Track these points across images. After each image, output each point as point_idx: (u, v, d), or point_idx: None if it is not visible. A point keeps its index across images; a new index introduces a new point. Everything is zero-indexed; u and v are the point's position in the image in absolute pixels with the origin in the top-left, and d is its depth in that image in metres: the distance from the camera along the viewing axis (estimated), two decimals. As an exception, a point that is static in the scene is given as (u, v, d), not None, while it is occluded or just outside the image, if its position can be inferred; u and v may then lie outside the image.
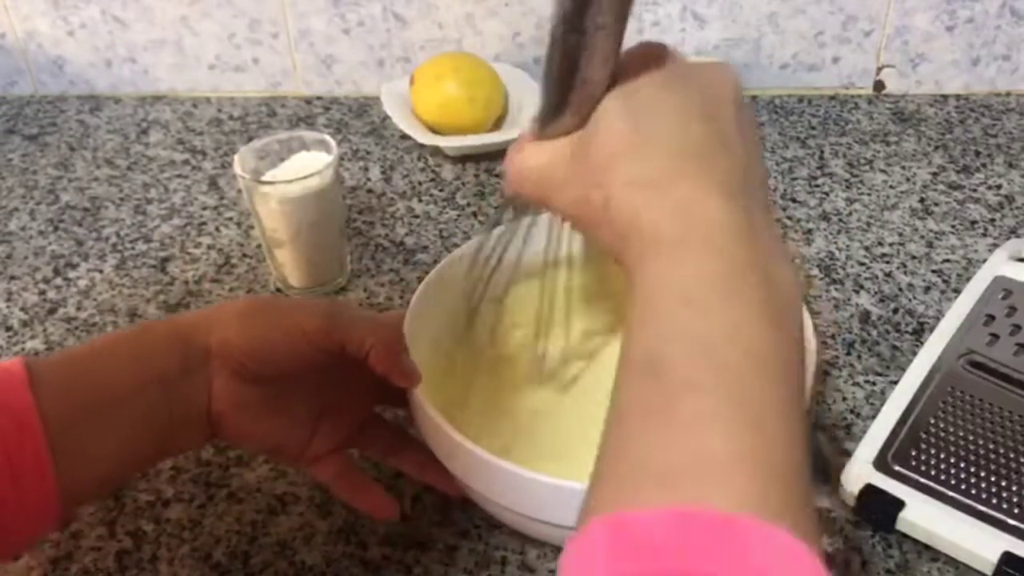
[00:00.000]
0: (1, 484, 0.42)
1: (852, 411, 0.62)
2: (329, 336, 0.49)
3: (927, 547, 0.53)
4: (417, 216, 0.81)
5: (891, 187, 0.82)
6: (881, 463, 0.55)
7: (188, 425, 0.49)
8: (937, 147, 0.87)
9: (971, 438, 0.56)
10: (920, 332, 0.68)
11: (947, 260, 0.74)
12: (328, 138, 0.70)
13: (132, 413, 0.47)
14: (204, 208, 0.84)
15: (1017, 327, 0.63)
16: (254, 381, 0.49)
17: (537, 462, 0.48)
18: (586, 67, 0.38)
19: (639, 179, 0.37)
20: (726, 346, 0.32)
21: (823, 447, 0.60)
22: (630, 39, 0.39)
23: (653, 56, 0.40)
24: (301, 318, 0.49)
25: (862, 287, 0.72)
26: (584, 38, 0.37)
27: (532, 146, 0.42)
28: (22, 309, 0.74)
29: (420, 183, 0.86)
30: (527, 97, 0.91)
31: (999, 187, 0.81)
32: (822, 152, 0.87)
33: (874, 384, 0.64)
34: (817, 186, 0.82)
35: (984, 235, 0.76)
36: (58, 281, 0.77)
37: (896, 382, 0.61)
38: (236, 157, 0.68)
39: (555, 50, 0.38)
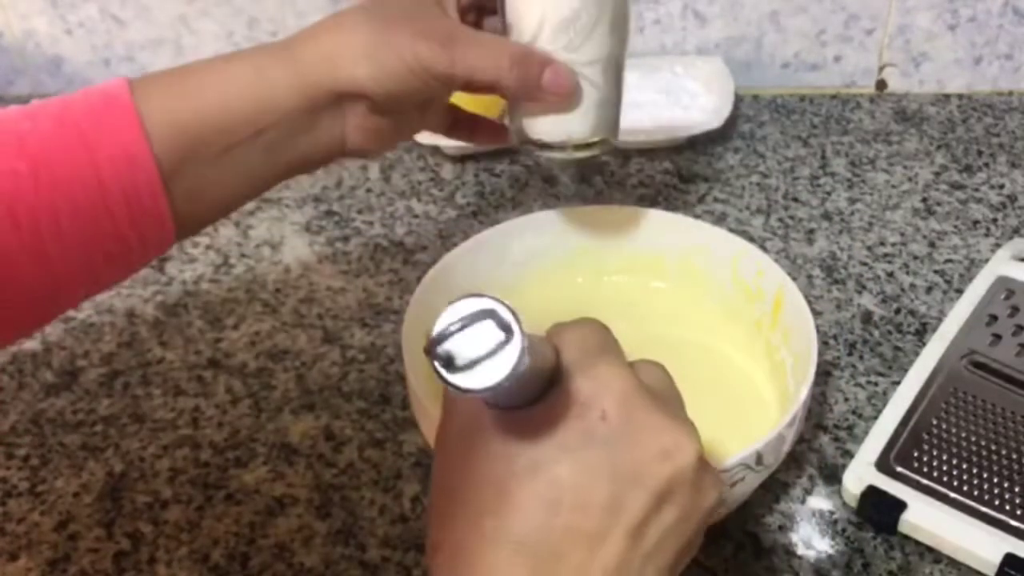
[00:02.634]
0: (122, 226, 0.44)
1: (854, 412, 0.62)
2: (452, 71, 0.49)
3: (929, 549, 0.53)
4: (416, 216, 0.81)
5: (893, 187, 0.82)
6: (883, 464, 0.55)
7: (314, 158, 0.51)
8: (939, 147, 0.87)
9: (973, 439, 0.56)
10: (922, 332, 0.67)
11: (949, 260, 0.74)
12: None
13: (250, 155, 0.48)
14: (203, 207, 0.84)
15: (1020, 327, 0.62)
16: (384, 113, 0.51)
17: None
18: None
19: (462, 559, 0.32)
20: None
21: (825, 448, 0.59)
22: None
23: (622, 383, 0.34)
24: (422, 50, 0.48)
25: (864, 287, 0.71)
26: None
27: None
28: (20, 309, 0.74)
29: (419, 183, 0.85)
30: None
31: (1002, 187, 0.81)
32: (824, 151, 0.86)
33: (876, 385, 0.64)
34: (819, 186, 0.82)
35: (987, 235, 0.76)
36: (56, 281, 0.77)
37: (898, 383, 0.60)
38: None
39: None
